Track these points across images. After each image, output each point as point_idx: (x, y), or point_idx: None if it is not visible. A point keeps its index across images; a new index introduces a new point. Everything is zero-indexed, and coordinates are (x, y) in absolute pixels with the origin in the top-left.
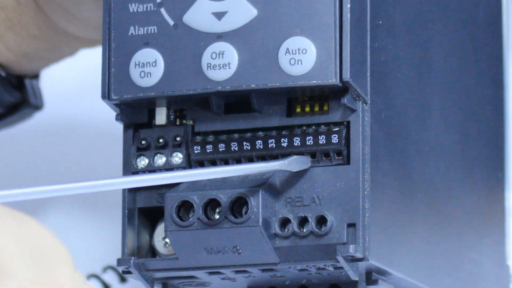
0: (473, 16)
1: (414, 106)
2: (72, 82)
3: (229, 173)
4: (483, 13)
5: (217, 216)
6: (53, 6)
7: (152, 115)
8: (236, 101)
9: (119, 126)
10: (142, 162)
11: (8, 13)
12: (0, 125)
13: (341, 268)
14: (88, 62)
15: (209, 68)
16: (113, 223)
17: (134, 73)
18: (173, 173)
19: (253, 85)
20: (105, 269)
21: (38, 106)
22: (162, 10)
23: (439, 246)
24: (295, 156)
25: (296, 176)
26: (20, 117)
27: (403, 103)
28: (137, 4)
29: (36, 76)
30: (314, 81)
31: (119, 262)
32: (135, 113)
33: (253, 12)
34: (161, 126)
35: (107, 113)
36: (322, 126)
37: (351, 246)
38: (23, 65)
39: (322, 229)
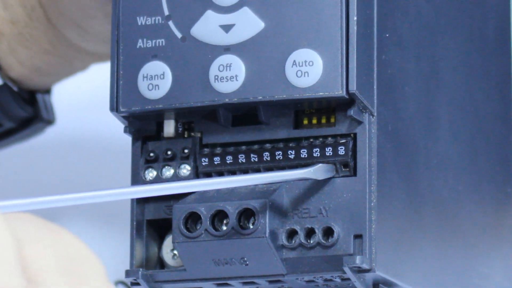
0: (481, 30)
1: (422, 119)
2: (84, 97)
3: (253, 182)
4: (492, 27)
5: (224, 228)
6: (65, 21)
7: (160, 127)
8: (244, 114)
9: (129, 140)
10: (150, 174)
11: (20, 28)
12: (12, 139)
13: (348, 279)
14: (99, 76)
15: (216, 80)
16: (124, 237)
17: (142, 85)
18: (194, 182)
19: (260, 97)
20: (116, 283)
21: (50, 121)
22: (170, 23)
23: (447, 258)
24: (320, 165)
25: (303, 188)
26: (32, 132)
27: (410, 116)
28: (145, 17)
29: (48, 91)
30: (321, 93)
31: (128, 273)
32: (143, 125)
33: (260, 25)
34: (169, 138)
35: (118, 127)
36: (329, 138)
37: (357, 257)
38: (35, 80)
39: (329, 241)
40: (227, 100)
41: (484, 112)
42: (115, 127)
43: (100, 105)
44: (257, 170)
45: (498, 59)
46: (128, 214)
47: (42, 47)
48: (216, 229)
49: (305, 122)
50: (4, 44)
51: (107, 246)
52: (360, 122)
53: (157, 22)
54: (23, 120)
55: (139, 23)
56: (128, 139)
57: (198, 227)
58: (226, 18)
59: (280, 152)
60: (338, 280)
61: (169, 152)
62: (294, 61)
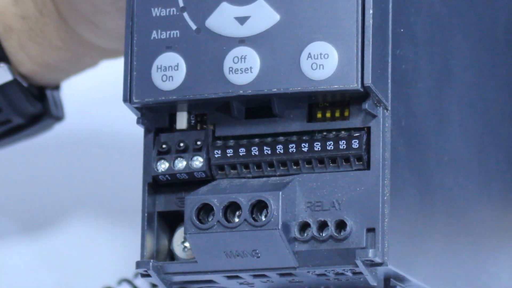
0: (492, 31)
1: (434, 116)
2: (93, 94)
3: None
4: (502, 27)
5: (237, 220)
6: (76, 16)
7: (173, 119)
8: (257, 106)
9: (140, 136)
10: (163, 165)
11: (31, 24)
12: (21, 136)
13: (360, 273)
14: (109, 73)
15: (231, 72)
16: (129, 236)
17: (156, 76)
18: None
19: (275, 90)
20: (120, 282)
21: (59, 117)
22: (185, 14)
23: (457, 256)
24: None
25: (316, 181)
26: (41, 128)
27: (423, 112)
28: (160, 8)
29: (57, 87)
30: (336, 86)
31: (138, 264)
32: (156, 117)
33: (275, 17)
34: (181, 130)
35: (128, 124)
36: (343, 132)
37: (370, 250)
38: (45, 76)
39: (342, 234)
40: (241, 92)
41: (493, 111)
42: (125, 123)
43: (109, 102)
44: (270, 163)
45: (508, 59)
46: (136, 211)
47: (52, 43)
48: (228, 221)
49: (319, 115)
50: (15, 40)
51: (113, 243)
52: (374, 116)
53: (171, 13)
54: (32, 116)
55: (154, 15)
56: (137, 135)
57: (210, 219)
58: (241, 10)
59: (294, 145)
60: (349, 274)
61: (181, 144)
62: (309, 53)
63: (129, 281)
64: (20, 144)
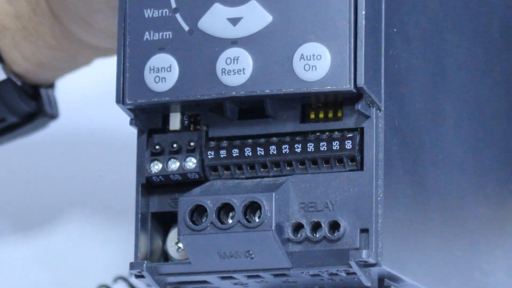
0: (487, 28)
1: (428, 115)
2: (87, 92)
3: None
4: (497, 25)
5: (230, 221)
6: (70, 15)
7: (166, 120)
8: (250, 107)
9: (134, 135)
10: (156, 166)
11: (25, 23)
12: (16, 134)
13: (354, 274)
14: (103, 71)
15: (223, 73)
16: (124, 234)
17: (149, 78)
18: None
19: (268, 91)
20: (116, 279)
21: (53, 116)
22: (177, 15)
23: (451, 254)
24: None
25: (309, 182)
26: (35, 127)
27: (417, 111)
28: (152, 9)
29: (51, 86)
30: (329, 87)
31: (132, 265)
32: (149, 118)
33: (268, 18)
34: (175, 131)
35: (122, 122)
36: (336, 132)
37: (364, 251)
38: (39, 74)
39: (335, 235)
40: (234, 93)
41: (488, 109)
42: (119, 121)
43: (103, 100)
44: (264, 164)
45: (503, 57)
46: (131, 209)
47: (46, 41)
48: (222, 222)
49: (312, 116)
50: (8, 39)
51: (108, 240)
52: (367, 117)
53: (164, 14)
54: (27, 114)
55: (146, 16)
56: (132, 134)
57: (203, 220)
58: (234, 11)
59: (287, 145)
60: (343, 274)
61: (174, 145)
62: (302, 54)
63: (125, 279)
64: (15, 143)
